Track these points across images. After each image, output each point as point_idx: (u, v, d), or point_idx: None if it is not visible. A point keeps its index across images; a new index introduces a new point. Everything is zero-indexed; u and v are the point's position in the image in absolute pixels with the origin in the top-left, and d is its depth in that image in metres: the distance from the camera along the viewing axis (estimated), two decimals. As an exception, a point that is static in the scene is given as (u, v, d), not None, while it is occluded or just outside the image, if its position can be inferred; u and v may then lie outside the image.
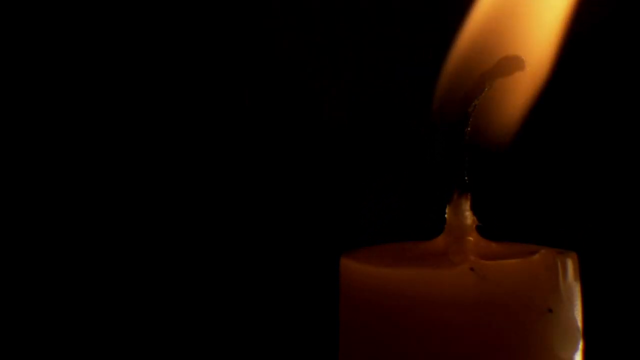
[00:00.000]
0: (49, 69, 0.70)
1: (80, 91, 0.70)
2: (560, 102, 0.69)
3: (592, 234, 0.69)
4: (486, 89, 0.40)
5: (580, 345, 0.39)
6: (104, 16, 0.70)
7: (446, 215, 0.41)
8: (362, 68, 0.70)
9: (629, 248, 0.69)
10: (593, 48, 0.68)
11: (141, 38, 0.70)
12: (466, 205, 0.41)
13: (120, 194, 0.71)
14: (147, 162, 0.71)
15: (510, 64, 0.39)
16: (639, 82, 0.69)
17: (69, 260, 0.71)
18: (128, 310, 0.71)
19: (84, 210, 0.71)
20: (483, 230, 0.41)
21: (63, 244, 0.70)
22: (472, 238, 0.40)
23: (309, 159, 0.71)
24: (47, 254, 0.70)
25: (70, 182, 0.70)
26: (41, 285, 0.70)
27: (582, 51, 0.68)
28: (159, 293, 0.71)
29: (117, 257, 0.71)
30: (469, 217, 0.40)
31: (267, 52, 0.71)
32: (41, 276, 0.71)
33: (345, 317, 0.41)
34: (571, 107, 0.69)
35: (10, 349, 0.70)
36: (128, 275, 0.71)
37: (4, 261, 0.70)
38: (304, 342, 0.70)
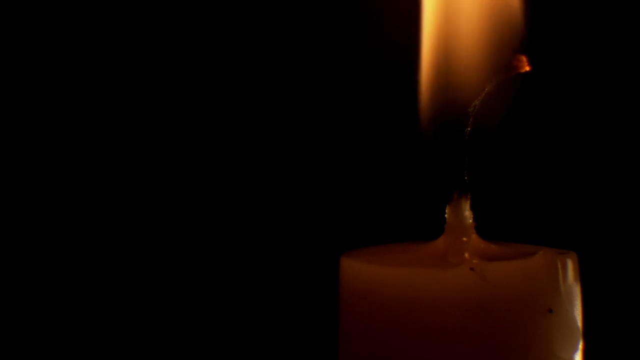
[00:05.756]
0: (49, 69, 0.70)
1: (93, 90, 0.70)
2: (560, 103, 0.69)
3: (592, 234, 0.69)
4: (486, 89, 0.40)
5: (580, 345, 0.39)
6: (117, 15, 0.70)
7: (446, 215, 0.41)
8: (361, 67, 0.70)
9: (629, 248, 0.69)
10: (593, 49, 0.68)
11: (141, 39, 0.70)
12: (466, 205, 0.41)
13: (120, 194, 0.71)
14: (147, 162, 0.71)
15: (511, 64, 0.39)
16: (639, 82, 0.69)
17: (69, 260, 0.71)
18: (128, 310, 0.71)
19: (84, 210, 0.71)
20: (483, 230, 0.41)
21: (63, 244, 0.70)
22: (472, 238, 0.40)
23: (310, 159, 0.71)
24: (47, 254, 0.70)
25: (70, 182, 0.70)
26: (41, 285, 0.70)
27: (582, 52, 0.68)
28: (159, 293, 0.71)
29: (117, 257, 0.71)
30: (469, 217, 0.41)
31: (265, 52, 0.71)
32: (41, 276, 0.71)
33: (345, 317, 0.41)
34: (571, 107, 0.69)
35: (10, 349, 0.70)
36: (128, 275, 0.71)
37: (3, 261, 0.70)
38: (304, 342, 0.70)
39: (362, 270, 0.40)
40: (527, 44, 0.41)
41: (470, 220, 0.41)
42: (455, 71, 0.42)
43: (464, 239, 0.40)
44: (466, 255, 0.40)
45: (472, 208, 0.41)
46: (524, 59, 0.39)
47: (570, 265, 0.40)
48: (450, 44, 0.43)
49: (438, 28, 0.43)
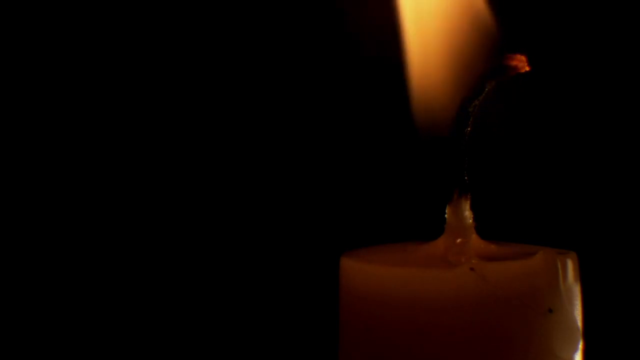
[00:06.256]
0: (49, 69, 0.70)
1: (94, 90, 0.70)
2: (560, 103, 0.69)
3: (592, 234, 0.69)
4: (486, 89, 0.40)
5: (580, 345, 0.39)
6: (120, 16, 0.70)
7: (446, 215, 0.41)
8: (361, 68, 0.70)
9: (629, 248, 0.69)
10: (593, 49, 0.68)
11: (144, 39, 0.70)
12: (466, 205, 0.41)
13: (120, 194, 0.71)
14: (147, 163, 0.71)
15: (511, 65, 0.39)
16: (638, 83, 0.69)
17: (69, 260, 0.71)
18: (128, 310, 0.71)
19: (84, 210, 0.71)
20: (483, 230, 0.41)
21: (63, 244, 0.70)
22: (472, 238, 0.40)
23: (310, 160, 0.71)
24: (47, 254, 0.70)
25: (70, 182, 0.70)
26: (41, 285, 0.71)
27: (582, 52, 0.68)
28: (159, 293, 0.71)
29: (117, 257, 0.71)
30: (469, 217, 0.41)
31: (265, 52, 0.71)
32: (41, 276, 0.71)
33: (345, 316, 0.41)
34: (571, 107, 0.69)
35: (10, 349, 0.70)
36: (128, 275, 0.71)
37: (4, 261, 0.70)
38: (304, 342, 0.70)
39: (362, 270, 0.40)
40: (501, 47, 0.42)
41: (470, 220, 0.41)
42: (439, 72, 0.42)
43: (464, 239, 0.40)
44: (466, 255, 0.40)
45: (472, 208, 0.41)
46: (524, 59, 0.39)
47: (570, 265, 0.40)
48: (432, 45, 0.43)
49: (419, 30, 0.43)
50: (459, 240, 0.40)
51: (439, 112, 0.42)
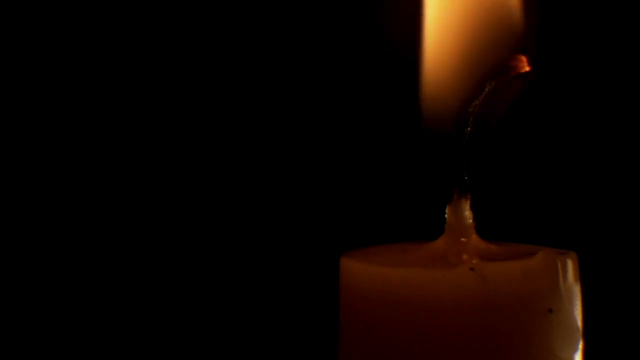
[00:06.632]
0: (49, 69, 0.70)
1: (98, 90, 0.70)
2: (560, 103, 0.69)
3: (592, 234, 0.69)
4: (487, 89, 0.40)
5: (580, 345, 0.39)
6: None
7: (446, 215, 0.41)
8: (361, 68, 0.70)
9: (629, 248, 0.69)
10: (593, 49, 0.68)
11: (148, 38, 0.70)
12: (466, 205, 0.41)
13: (120, 195, 0.71)
14: (147, 163, 0.71)
15: (510, 65, 0.39)
16: (638, 83, 0.69)
17: (69, 260, 0.71)
18: (128, 310, 0.71)
19: (84, 210, 0.71)
20: (483, 230, 0.41)
21: (63, 244, 0.70)
22: (472, 238, 0.40)
23: (310, 159, 0.71)
24: (47, 254, 0.70)
25: (70, 182, 0.70)
26: (41, 285, 0.70)
27: (582, 52, 0.68)
28: (159, 293, 0.71)
29: (117, 257, 0.71)
30: (469, 217, 0.41)
31: (264, 51, 0.71)
32: (41, 276, 0.71)
33: (345, 317, 0.41)
34: (571, 107, 0.69)
35: (10, 349, 0.70)
36: (128, 275, 0.71)
37: (3, 261, 0.70)
38: (304, 342, 0.70)
39: (362, 270, 0.40)
40: (526, 43, 0.41)
41: (470, 220, 0.41)
42: (454, 69, 0.42)
43: (464, 239, 0.40)
44: (466, 255, 0.40)
45: (472, 208, 0.41)
46: (523, 59, 0.39)
47: (570, 265, 0.40)
48: (451, 42, 0.43)
49: (439, 27, 0.43)
50: (459, 240, 0.40)
51: (449, 109, 0.42)
